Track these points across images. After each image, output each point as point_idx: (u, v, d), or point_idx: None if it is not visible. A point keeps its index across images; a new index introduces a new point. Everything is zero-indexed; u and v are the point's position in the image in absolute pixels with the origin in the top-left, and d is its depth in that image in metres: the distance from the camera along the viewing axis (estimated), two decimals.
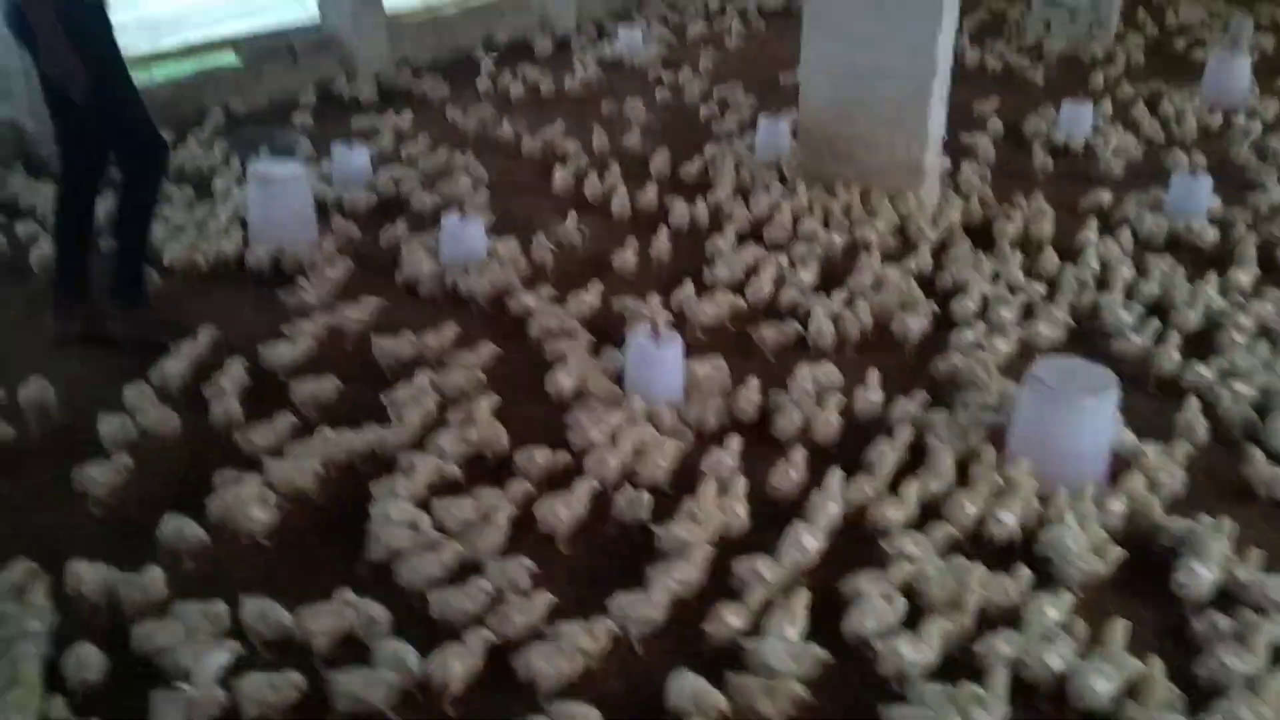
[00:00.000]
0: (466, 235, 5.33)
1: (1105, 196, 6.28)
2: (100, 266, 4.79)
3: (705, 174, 6.70)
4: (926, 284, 5.24)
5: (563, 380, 4.21)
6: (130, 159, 4.47)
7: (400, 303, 5.06)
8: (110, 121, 4.34)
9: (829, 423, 3.98)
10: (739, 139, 7.31)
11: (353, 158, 6.32)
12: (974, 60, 9.62)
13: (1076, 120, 7.49)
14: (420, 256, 5.33)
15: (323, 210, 5.95)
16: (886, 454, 3.73)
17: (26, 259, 5.32)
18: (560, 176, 6.47)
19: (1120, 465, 3.72)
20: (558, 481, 3.64)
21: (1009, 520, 3.37)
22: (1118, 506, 3.47)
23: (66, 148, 4.47)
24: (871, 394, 4.18)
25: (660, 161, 6.75)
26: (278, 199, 5.45)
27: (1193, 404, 4.10)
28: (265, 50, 8.30)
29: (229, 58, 8.06)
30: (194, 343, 4.43)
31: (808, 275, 5.21)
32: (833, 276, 5.29)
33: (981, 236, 5.78)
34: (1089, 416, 3.57)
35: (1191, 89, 8.66)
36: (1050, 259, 5.41)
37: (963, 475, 3.68)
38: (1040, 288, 5.13)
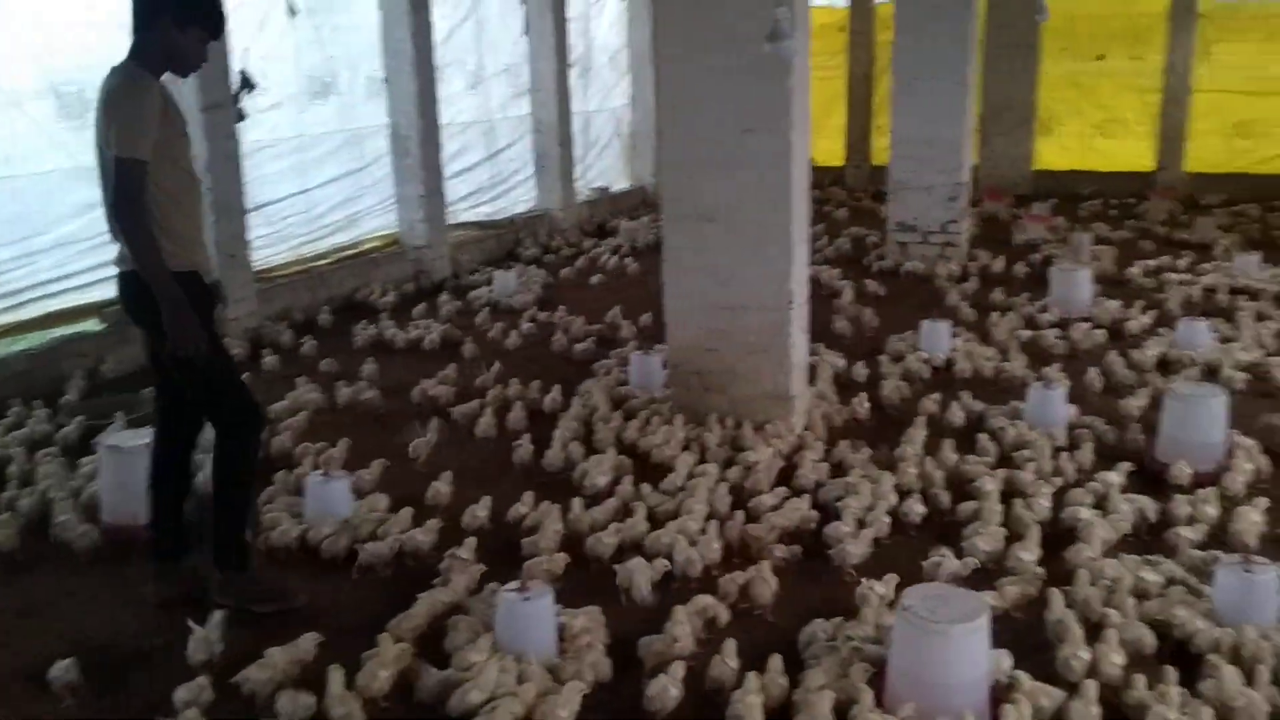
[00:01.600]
0: (330, 494, 5.18)
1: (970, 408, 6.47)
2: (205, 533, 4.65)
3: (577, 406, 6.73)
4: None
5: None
6: (227, 424, 4.42)
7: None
8: (210, 389, 4.35)
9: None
10: (615, 373, 7.38)
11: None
12: (837, 285, 10.04)
13: (935, 337, 7.79)
14: (284, 519, 5.14)
15: None
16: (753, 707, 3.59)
17: None
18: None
19: (1000, 693, 3.64)
20: None
21: None
22: None
23: (165, 414, 4.54)
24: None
25: (530, 399, 6.84)
26: (128, 469, 5.24)
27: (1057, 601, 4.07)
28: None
29: (91, 324, 7.95)
30: None
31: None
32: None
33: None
34: (961, 645, 3.51)
35: (1039, 299, 9.15)
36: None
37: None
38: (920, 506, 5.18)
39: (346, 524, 5.06)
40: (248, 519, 4.65)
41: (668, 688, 3.69)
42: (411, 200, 10.83)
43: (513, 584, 4.08)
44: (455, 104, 12.07)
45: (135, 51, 4.14)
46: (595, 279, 10.91)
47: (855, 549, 4.74)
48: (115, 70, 4.12)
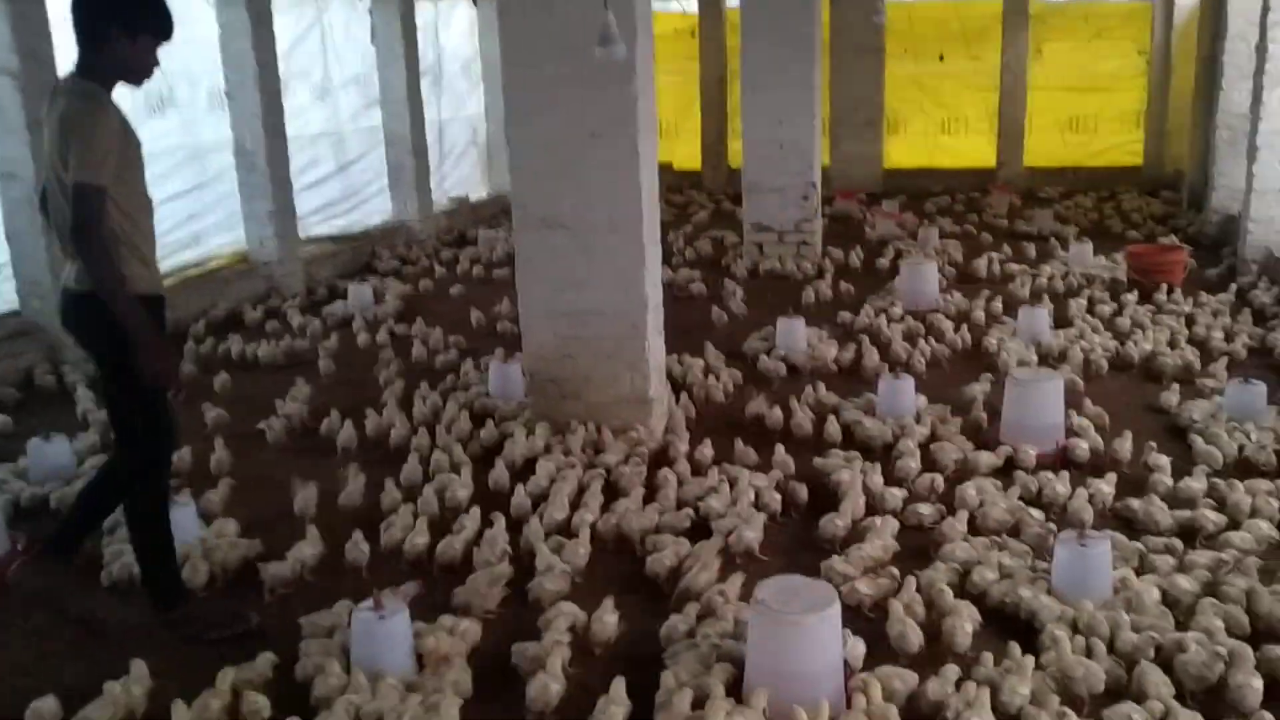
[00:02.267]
0: (177, 520, 4.97)
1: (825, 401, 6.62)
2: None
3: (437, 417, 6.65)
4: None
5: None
6: (123, 459, 4.28)
7: None
8: (117, 417, 4.23)
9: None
10: (477, 384, 7.29)
11: (49, 450, 5.88)
12: (697, 288, 10.16)
13: (791, 335, 7.94)
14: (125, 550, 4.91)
15: (19, 511, 5.51)
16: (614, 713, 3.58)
17: None
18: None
19: (855, 681, 3.72)
20: None
21: None
22: None
23: (147, 449, 4.22)
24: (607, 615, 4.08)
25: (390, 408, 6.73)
26: None
27: (896, 610, 4.15)
28: None
29: None
30: None
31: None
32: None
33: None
34: (813, 635, 3.57)
35: (890, 294, 9.43)
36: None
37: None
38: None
39: (203, 548, 4.88)
40: (170, 552, 4.40)
41: (548, 684, 3.67)
42: (260, 216, 10.52)
43: (366, 602, 3.99)
44: (302, 116, 11.80)
45: (84, 68, 3.91)
46: (455, 289, 10.79)
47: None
48: (67, 89, 3.89)
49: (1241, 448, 5.84)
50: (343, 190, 12.79)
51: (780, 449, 5.84)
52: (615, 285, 6.12)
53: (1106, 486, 5.33)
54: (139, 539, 4.33)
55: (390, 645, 3.92)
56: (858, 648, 3.91)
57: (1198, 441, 5.92)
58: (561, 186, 6.05)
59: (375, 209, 13.28)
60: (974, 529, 5.00)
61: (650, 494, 5.41)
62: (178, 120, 10.25)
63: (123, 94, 4.07)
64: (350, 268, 12.04)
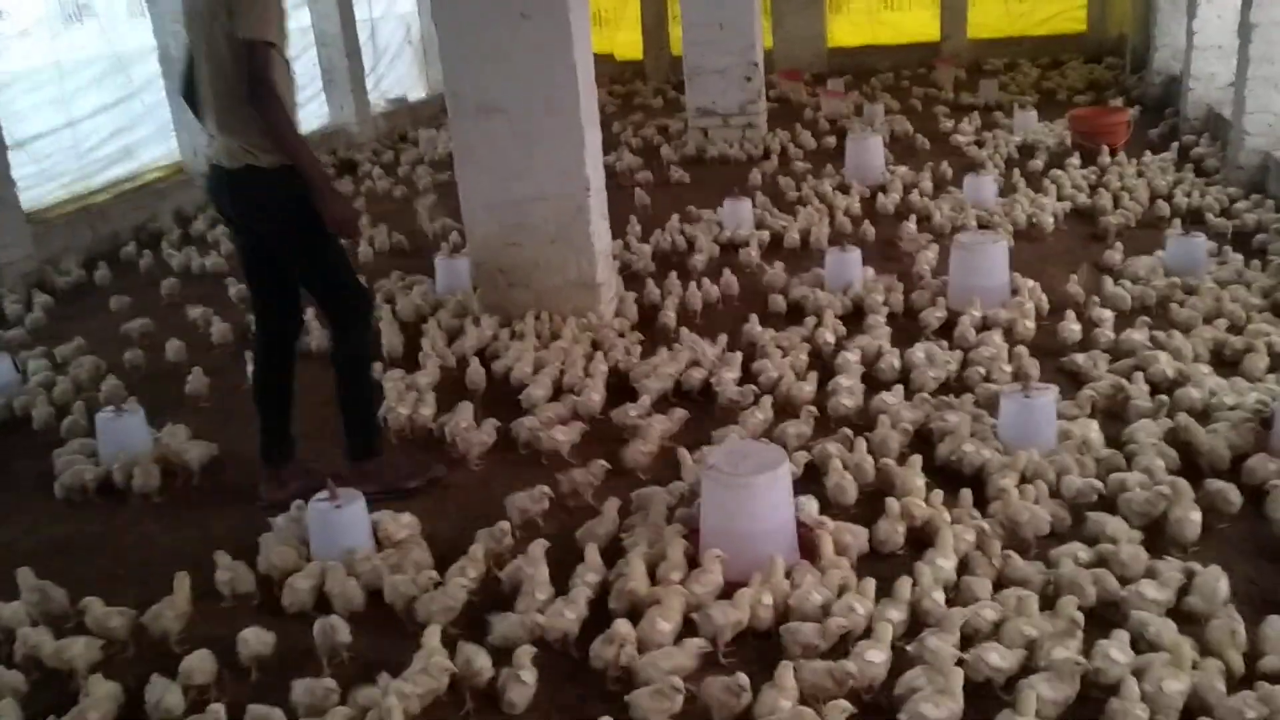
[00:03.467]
0: (125, 429, 4.93)
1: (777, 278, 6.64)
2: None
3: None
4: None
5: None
6: (339, 312, 4.32)
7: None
8: (321, 279, 4.24)
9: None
10: (425, 280, 7.20)
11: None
12: (643, 175, 10.05)
13: (738, 215, 7.91)
14: (77, 460, 4.87)
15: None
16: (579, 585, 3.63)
17: None
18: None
19: (810, 538, 3.79)
20: None
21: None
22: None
23: (265, 315, 4.41)
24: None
25: None
26: None
27: (835, 465, 4.25)
28: None
29: None
30: None
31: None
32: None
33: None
34: (764, 495, 3.62)
35: (837, 170, 9.39)
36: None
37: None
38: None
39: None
40: (376, 405, 4.58)
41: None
42: (191, 124, 10.17)
43: (322, 494, 4.00)
44: None
45: None
46: (399, 190, 10.60)
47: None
48: None
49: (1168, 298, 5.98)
50: None
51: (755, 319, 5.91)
52: (556, 170, 6.03)
53: (1050, 341, 5.41)
54: (354, 392, 4.42)
55: (349, 533, 3.94)
56: (810, 505, 3.97)
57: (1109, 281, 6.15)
58: (495, 71, 5.91)
59: (311, 114, 12.96)
60: (922, 388, 5.06)
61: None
62: (97, 29, 9.90)
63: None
64: None
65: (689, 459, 4.33)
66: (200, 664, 3.27)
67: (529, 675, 3.11)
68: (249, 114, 3.84)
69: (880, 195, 8.49)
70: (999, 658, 3.07)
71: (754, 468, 3.65)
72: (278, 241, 4.16)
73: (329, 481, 4.04)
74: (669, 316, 6.11)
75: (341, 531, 3.93)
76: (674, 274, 6.85)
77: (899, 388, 5.01)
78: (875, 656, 3.08)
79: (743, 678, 2.99)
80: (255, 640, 3.38)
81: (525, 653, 3.16)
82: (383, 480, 4.46)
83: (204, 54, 3.91)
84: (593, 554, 3.70)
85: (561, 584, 3.59)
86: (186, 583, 3.64)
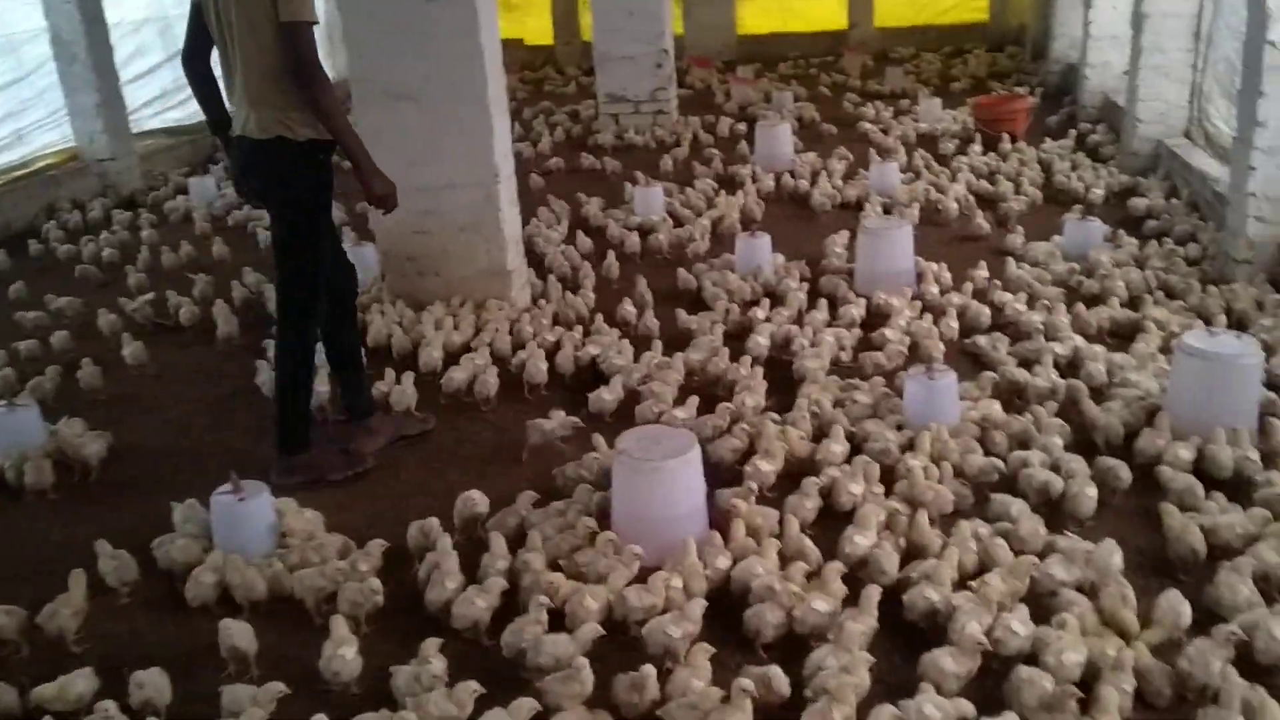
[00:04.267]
0: (19, 424, 4.76)
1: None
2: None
3: None
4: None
5: None
6: (290, 298, 4.39)
7: None
8: (296, 260, 4.33)
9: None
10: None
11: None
12: (555, 162, 10.00)
13: (648, 201, 7.93)
14: None
15: None
16: (488, 567, 3.62)
17: None
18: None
19: (723, 518, 3.83)
20: None
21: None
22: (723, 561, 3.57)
23: (311, 287, 4.38)
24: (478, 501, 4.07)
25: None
26: None
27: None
28: None
29: None
30: None
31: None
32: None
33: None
34: (675, 479, 3.65)
35: (746, 157, 9.47)
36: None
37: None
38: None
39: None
40: (306, 395, 4.52)
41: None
42: (87, 110, 9.89)
43: (225, 486, 3.92)
44: (124, 1, 11.04)
45: None
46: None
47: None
48: None
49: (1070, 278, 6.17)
50: (175, 80, 12.02)
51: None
52: (465, 156, 5.98)
53: (954, 324, 5.53)
54: (282, 375, 4.43)
55: (251, 526, 3.86)
56: (723, 491, 4.01)
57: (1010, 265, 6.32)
58: (402, 56, 5.83)
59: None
60: (834, 373, 5.15)
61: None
62: None
63: None
64: (191, 161, 11.49)
65: (603, 445, 4.34)
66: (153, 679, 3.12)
67: (439, 665, 3.09)
68: (288, 87, 4.03)
69: (789, 180, 8.58)
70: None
71: (665, 452, 3.67)
72: (283, 209, 4.29)
73: (232, 474, 3.96)
74: (586, 299, 6.15)
75: (245, 524, 3.86)
76: (586, 263, 6.84)
77: (813, 369, 5.06)
78: (821, 605, 3.19)
79: (648, 669, 2.99)
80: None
81: (432, 644, 3.15)
82: (309, 474, 4.45)
83: (245, 30, 4.03)
84: (498, 542, 3.68)
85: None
86: (83, 580, 3.55)
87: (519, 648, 3.18)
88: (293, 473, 4.42)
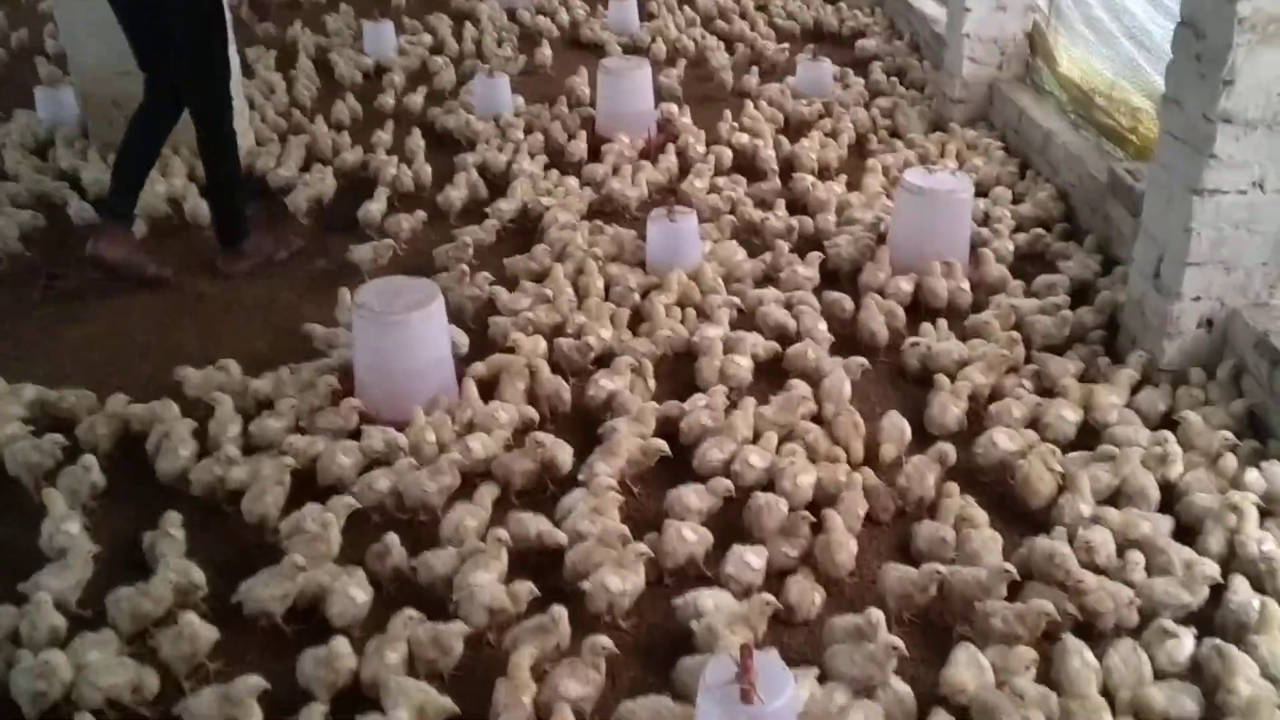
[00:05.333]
0: None
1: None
2: None
3: None
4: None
5: None
6: (202, 79, 4.49)
7: None
8: (204, 42, 4.43)
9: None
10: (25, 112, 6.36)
11: None
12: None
13: (379, 37, 7.54)
14: None
15: None
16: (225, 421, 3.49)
17: None
18: None
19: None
20: None
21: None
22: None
23: (156, 71, 4.49)
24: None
25: None
26: None
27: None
28: None
29: None
30: None
31: None
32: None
33: None
34: (419, 331, 3.57)
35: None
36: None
37: None
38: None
39: None
40: (239, 188, 4.73)
41: None
42: None
43: None
44: None
45: None
46: None
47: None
48: None
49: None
50: None
51: None
52: None
53: (705, 166, 5.58)
54: (216, 175, 4.64)
55: None
56: (460, 338, 3.99)
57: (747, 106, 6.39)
58: None
59: None
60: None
61: None
62: None
63: None
64: None
65: (346, 298, 4.18)
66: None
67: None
68: None
69: (524, 16, 8.39)
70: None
71: (407, 305, 3.56)
72: (191, 13, 4.36)
73: None
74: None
75: None
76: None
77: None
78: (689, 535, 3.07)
79: (557, 609, 2.70)
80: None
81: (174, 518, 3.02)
82: (257, 256, 4.75)
83: None
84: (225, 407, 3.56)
85: None
86: None
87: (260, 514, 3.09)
88: (240, 259, 4.70)
